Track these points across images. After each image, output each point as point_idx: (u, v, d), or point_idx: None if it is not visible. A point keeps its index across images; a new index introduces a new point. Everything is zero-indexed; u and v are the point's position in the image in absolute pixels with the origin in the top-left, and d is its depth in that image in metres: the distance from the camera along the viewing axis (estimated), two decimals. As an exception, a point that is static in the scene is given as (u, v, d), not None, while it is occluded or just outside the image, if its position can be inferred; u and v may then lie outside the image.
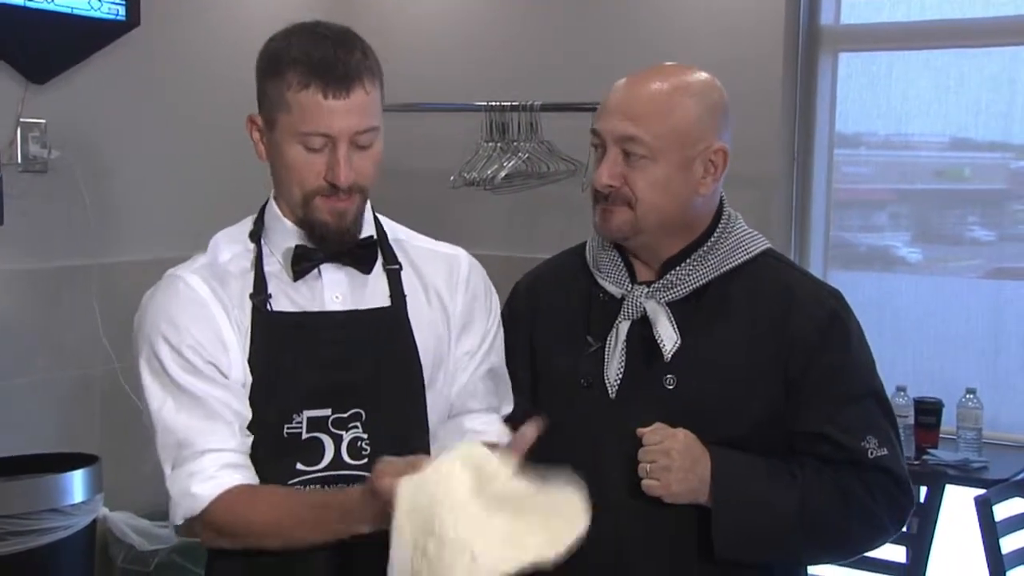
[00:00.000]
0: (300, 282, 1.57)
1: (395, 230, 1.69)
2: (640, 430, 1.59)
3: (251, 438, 1.54)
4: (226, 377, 1.53)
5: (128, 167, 3.37)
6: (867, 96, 3.52)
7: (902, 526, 1.70)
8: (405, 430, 1.59)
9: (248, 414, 1.54)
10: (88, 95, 3.24)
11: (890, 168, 3.64)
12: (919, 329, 3.47)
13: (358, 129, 1.50)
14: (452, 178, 3.44)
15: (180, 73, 3.49)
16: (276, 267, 1.58)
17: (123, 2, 3.21)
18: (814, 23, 3.52)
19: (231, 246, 1.61)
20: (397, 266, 1.63)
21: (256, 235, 1.61)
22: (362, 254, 1.59)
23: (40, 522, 2.84)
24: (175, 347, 1.52)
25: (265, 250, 1.59)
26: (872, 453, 1.62)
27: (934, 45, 3.42)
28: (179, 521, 1.52)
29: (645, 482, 1.58)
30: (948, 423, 3.22)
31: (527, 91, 3.42)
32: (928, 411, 3.19)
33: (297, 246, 1.56)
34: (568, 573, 1.59)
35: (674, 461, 1.57)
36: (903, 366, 3.34)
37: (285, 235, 1.58)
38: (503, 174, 3.39)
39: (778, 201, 3.52)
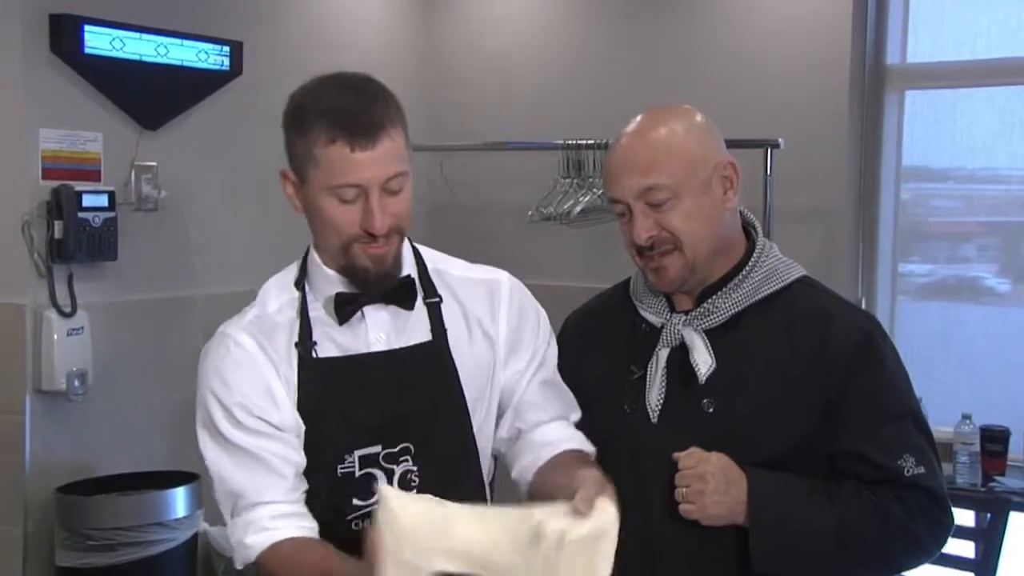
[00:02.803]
0: (345, 325, 1.58)
1: (435, 260, 1.69)
2: (676, 454, 1.62)
3: (306, 484, 1.57)
4: (279, 430, 1.55)
5: (229, 206, 3.51)
6: (932, 132, 3.53)
7: (942, 545, 1.70)
8: (453, 459, 1.62)
9: (303, 461, 1.56)
10: (195, 140, 3.40)
11: (959, 201, 3.63)
12: (987, 358, 3.45)
13: (387, 176, 1.50)
14: (530, 213, 3.51)
15: (278, 118, 3.64)
16: (321, 312, 1.60)
17: (227, 54, 3.38)
18: (880, 62, 3.56)
19: (279, 295, 1.62)
20: (438, 299, 1.63)
21: (300, 283, 1.62)
22: (403, 292, 1.59)
23: (147, 534, 2.99)
24: (226, 406, 1.55)
25: (309, 296, 1.60)
26: (909, 471, 1.63)
27: (999, 82, 3.43)
28: (239, 567, 1.58)
29: (682, 506, 1.62)
30: (1015, 451, 3.20)
31: (602, 129, 3.39)
32: (995, 439, 3.17)
33: (339, 293, 1.57)
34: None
35: (708, 484, 1.60)
36: (969, 394, 3.32)
37: (327, 282, 1.59)
38: (578, 209, 3.43)
39: (845, 234, 3.54)
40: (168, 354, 3.37)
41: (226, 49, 3.40)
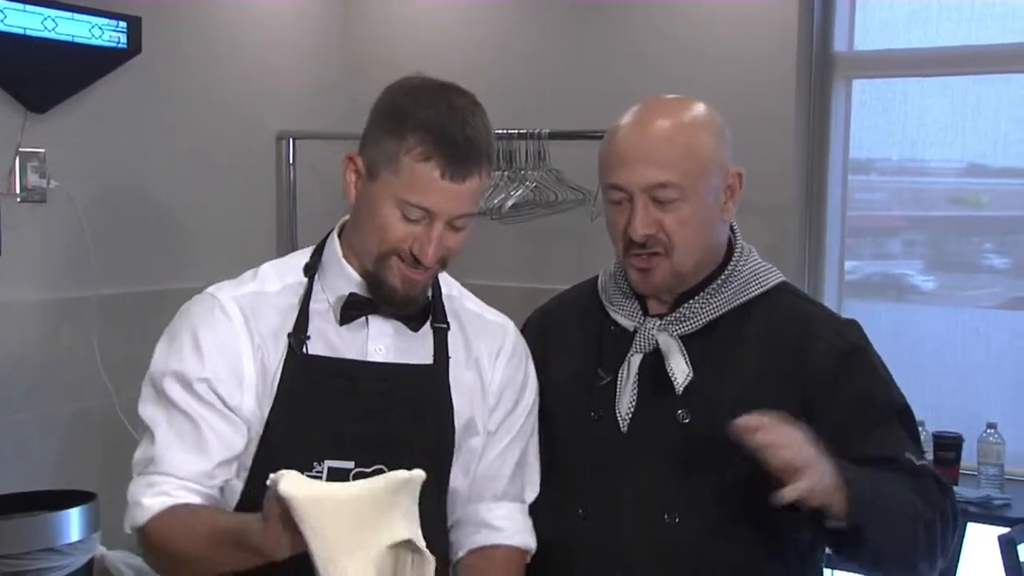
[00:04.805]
0: (345, 327, 1.55)
1: (449, 285, 1.67)
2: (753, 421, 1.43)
3: (231, 474, 1.53)
4: (233, 412, 1.51)
5: (128, 197, 3.33)
6: (881, 123, 3.46)
7: (951, 543, 1.62)
8: (424, 492, 1.53)
9: (240, 447, 1.51)
10: (88, 124, 3.20)
11: (906, 195, 3.57)
12: (937, 361, 3.38)
13: (461, 213, 1.49)
14: (458, 207, 3.40)
15: (182, 101, 3.45)
16: (324, 306, 1.56)
17: (124, 30, 3.18)
18: (827, 50, 3.48)
19: (284, 276, 1.58)
20: (445, 325, 1.61)
21: (310, 269, 1.58)
22: (416, 313, 1.57)
23: (35, 562, 2.77)
24: (187, 376, 1.50)
25: (316, 286, 1.57)
26: (917, 462, 1.57)
27: (950, 71, 3.37)
28: (128, 530, 1.52)
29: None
30: (968, 459, 3.14)
31: (534, 119, 3.37)
32: (947, 446, 3.12)
33: (351, 294, 1.54)
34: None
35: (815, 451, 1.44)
36: (920, 400, 3.16)
37: (342, 279, 1.56)
38: (510, 203, 3.33)
39: (791, 230, 3.46)
40: (60, 361, 3.15)
41: (123, 25, 3.17)
